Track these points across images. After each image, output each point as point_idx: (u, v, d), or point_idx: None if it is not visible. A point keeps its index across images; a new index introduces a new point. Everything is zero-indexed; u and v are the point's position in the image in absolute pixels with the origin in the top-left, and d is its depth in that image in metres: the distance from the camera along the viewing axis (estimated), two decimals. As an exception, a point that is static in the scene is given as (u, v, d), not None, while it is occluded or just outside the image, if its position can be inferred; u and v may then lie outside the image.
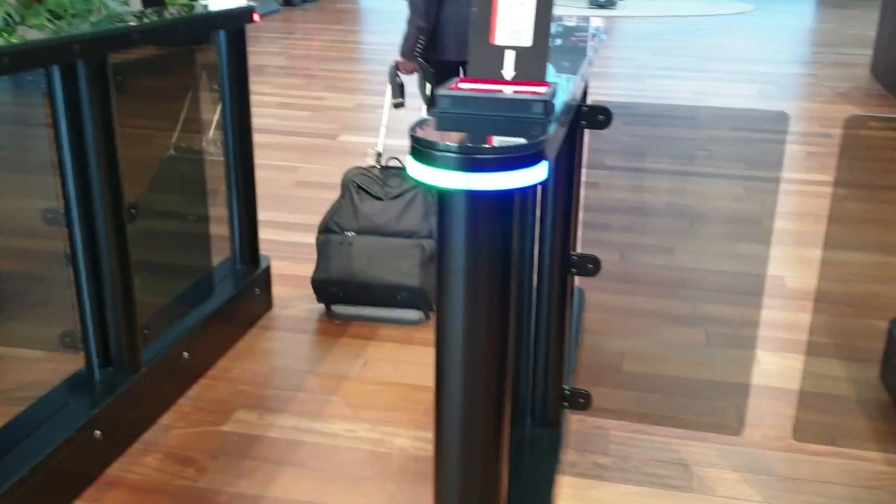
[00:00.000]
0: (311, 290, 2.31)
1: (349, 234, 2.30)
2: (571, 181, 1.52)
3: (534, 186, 1.00)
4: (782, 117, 4.88)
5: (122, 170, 1.66)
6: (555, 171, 1.43)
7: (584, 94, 1.68)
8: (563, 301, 1.57)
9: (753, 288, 2.61)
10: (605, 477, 1.69)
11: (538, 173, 0.94)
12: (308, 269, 2.34)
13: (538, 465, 1.60)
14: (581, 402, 1.66)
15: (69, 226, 1.65)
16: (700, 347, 2.23)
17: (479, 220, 0.98)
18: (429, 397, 1.12)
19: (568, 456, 1.75)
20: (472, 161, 0.92)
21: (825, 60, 6.83)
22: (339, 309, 2.32)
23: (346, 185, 2.37)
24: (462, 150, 0.92)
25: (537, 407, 1.66)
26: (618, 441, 1.81)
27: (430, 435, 1.13)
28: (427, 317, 2.30)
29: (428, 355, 1.27)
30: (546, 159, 0.95)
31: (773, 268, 2.75)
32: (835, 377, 2.09)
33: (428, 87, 2.48)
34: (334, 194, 2.40)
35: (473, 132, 1.00)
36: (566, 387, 1.67)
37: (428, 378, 1.24)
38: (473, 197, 0.96)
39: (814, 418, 1.91)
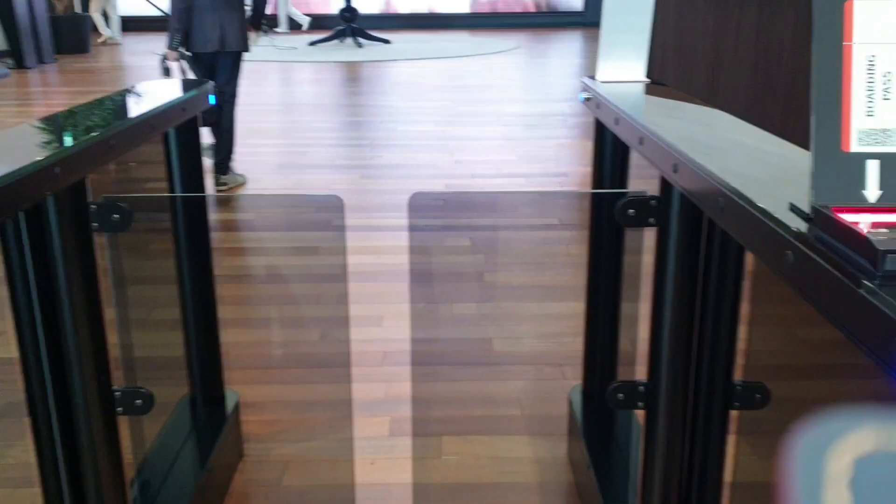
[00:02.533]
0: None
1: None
2: (93, 293, 1.20)
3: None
4: (524, 158, 4.84)
5: None
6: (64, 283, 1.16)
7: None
8: (111, 442, 1.27)
9: (459, 356, 2.45)
10: None
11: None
12: None
13: None
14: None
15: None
16: (381, 441, 2.03)
17: None
18: None
19: None
20: None
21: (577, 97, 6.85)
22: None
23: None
24: None
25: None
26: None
27: None
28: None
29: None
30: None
31: (484, 329, 2.61)
32: (520, 458, 1.95)
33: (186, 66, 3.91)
34: None
35: None
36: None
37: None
38: None
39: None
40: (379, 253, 3.25)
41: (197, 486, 1.67)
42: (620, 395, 1.27)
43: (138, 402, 1.22)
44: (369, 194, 4.14)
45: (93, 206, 1.12)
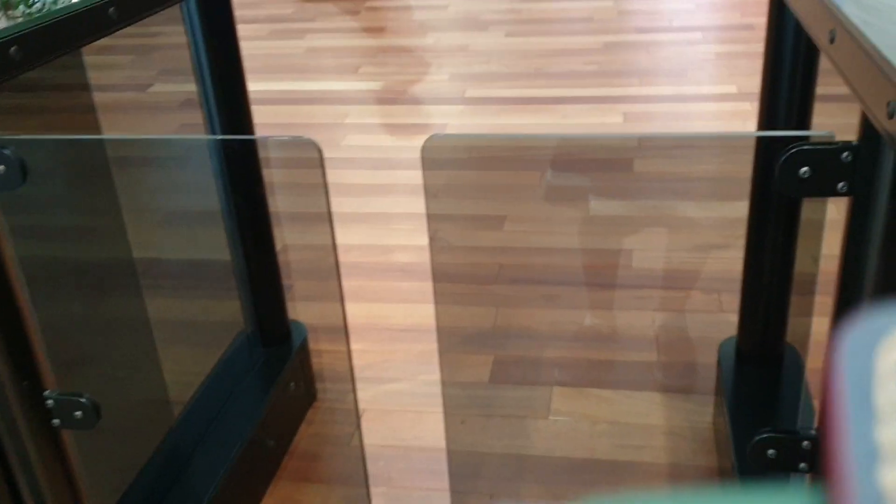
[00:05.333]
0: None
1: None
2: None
3: None
4: (702, 7, 4.00)
5: None
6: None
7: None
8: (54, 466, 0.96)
9: (588, 273, 1.97)
10: None
11: None
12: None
13: None
14: None
15: None
16: (479, 389, 1.64)
17: None
18: None
19: None
20: None
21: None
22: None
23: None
24: None
25: None
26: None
27: None
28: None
29: None
30: None
31: (626, 238, 2.09)
32: (649, 426, 1.51)
33: None
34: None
35: None
36: None
37: None
38: None
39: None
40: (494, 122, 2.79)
41: (245, 445, 1.39)
42: (771, 453, 0.81)
43: (77, 413, 0.89)
44: (512, 56, 3.62)
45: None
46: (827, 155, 0.68)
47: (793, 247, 1.33)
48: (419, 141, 2.84)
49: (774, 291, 1.35)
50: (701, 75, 3.18)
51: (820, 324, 1.64)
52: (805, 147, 0.68)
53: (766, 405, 1.40)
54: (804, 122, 1.24)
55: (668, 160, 2.44)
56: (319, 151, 0.92)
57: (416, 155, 2.70)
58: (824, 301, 0.89)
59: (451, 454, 1.48)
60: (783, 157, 0.68)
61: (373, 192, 2.49)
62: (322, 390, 1.68)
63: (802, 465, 0.78)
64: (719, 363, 1.49)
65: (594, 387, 1.63)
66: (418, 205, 2.37)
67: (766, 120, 1.26)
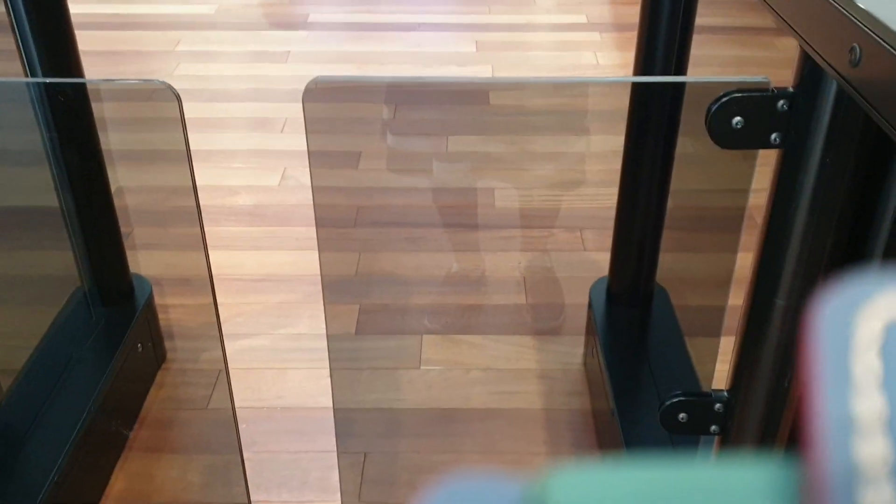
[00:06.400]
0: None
1: None
2: None
3: None
4: None
5: None
6: None
7: None
8: None
9: (451, 214, 1.89)
10: None
11: None
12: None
13: None
14: None
15: None
16: (345, 342, 1.56)
17: None
18: None
19: None
20: None
21: None
22: None
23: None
24: None
25: None
26: None
27: None
28: None
29: None
30: None
31: (484, 176, 2.02)
32: (521, 371, 1.48)
33: None
34: None
35: None
36: None
37: None
38: None
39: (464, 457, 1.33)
40: (366, 62, 2.65)
41: (88, 418, 1.24)
42: (682, 416, 0.77)
43: None
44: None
45: None
46: (762, 104, 0.62)
47: (667, 186, 1.31)
48: (258, 70, 2.65)
49: (648, 232, 1.33)
50: (549, 3, 3.14)
51: (686, 261, 1.66)
52: (737, 95, 0.63)
53: (640, 346, 1.39)
54: (682, 57, 1.21)
55: (524, 93, 2.39)
56: (178, 98, 0.78)
57: (256, 85, 2.52)
58: (748, 240, 0.86)
59: (336, 412, 1.38)
60: (715, 107, 0.62)
61: (210, 126, 2.29)
62: (172, 349, 1.54)
63: (714, 427, 0.76)
64: (590, 304, 1.47)
65: (465, 333, 1.58)
66: (261, 141, 2.21)
67: (644, 53, 1.22)
